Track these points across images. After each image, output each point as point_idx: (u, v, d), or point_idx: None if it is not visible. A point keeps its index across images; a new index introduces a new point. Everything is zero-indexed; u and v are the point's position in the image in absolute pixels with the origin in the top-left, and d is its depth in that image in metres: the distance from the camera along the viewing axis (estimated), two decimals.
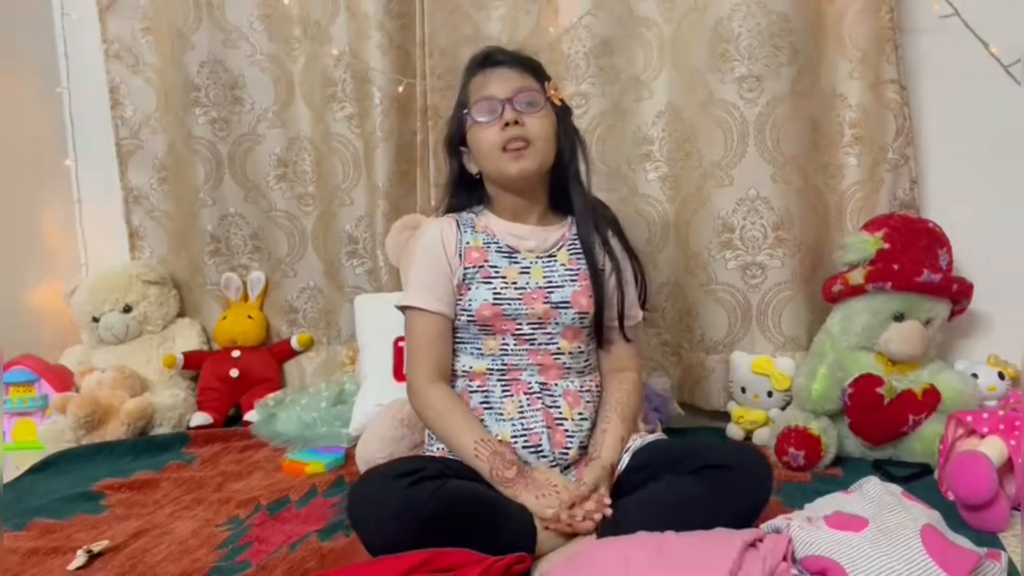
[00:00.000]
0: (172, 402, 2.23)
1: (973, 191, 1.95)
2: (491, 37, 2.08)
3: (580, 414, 1.39)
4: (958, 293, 1.77)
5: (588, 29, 2.00)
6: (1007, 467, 1.39)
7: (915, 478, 1.61)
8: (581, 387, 1.41)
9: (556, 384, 1.39)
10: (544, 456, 1.35)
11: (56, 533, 1.52)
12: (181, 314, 2.44)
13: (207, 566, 1.35)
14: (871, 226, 1.83)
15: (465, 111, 1.42)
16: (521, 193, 1.43)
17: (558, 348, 1.40)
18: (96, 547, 1.40)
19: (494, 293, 1.39)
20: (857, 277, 1.75)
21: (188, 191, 2.39)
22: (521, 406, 1.37)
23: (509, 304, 1.39)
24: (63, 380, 2.23)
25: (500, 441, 1.33)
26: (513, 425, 1.36)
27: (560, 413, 1.37)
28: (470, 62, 1.47)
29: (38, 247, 2.43)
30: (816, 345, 1.83)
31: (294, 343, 2.35)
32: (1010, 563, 1.13)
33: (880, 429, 1.71)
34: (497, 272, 1.40)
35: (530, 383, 1.38)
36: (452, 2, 2.10)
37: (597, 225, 1.46)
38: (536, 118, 1.38)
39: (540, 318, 1.39)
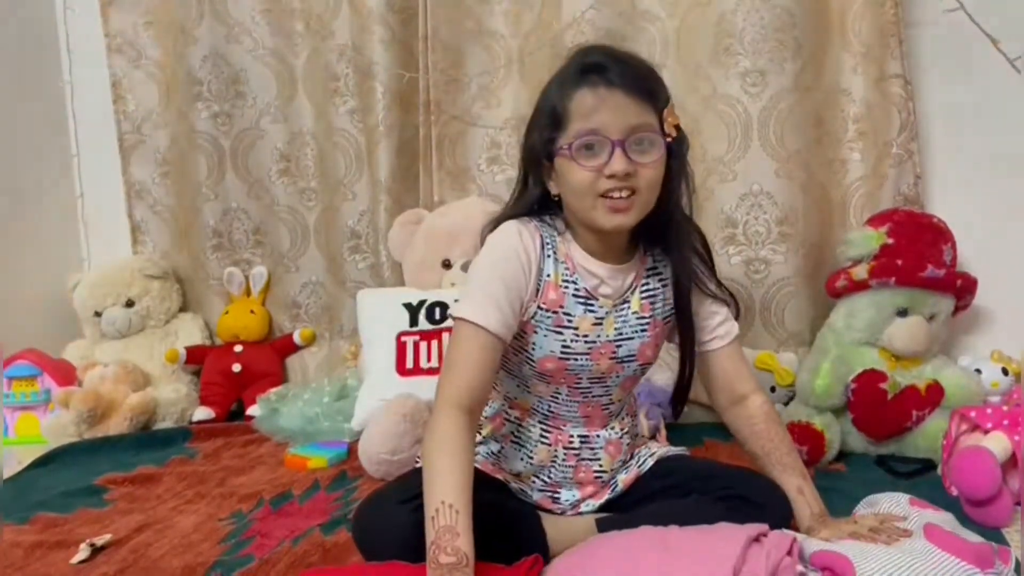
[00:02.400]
0: (174, 397, 2.24)
1: (977, 186, 1.94)
2: (494, 31, 2.08)
3: (621, 460, 1.34)
4: (962, 288, 1.77)
5: (591, 23, 2.00)
6: (1011, 462, 1.38)
7: (918, 474, 1.61)
8: (621, 431, 1.33)
9: (598, 435, 1.30)
10: (560, 504, 1.32)
11: (59, 527, 1.52)
12: (183, 309, 2.45)
13: (210, 560, 1.35)
14: (875, 221, 1.82)
15: (557, 133, 1.16)
16: (608, 236, 1.22)
17: (610, 399, 1.30)
18: (99, 541, 1.40)
19: (563, 345, 1.22)
20: (861, 272, 1.75)
21: (190, 186, 2.38)
22: (555, 457, 1.30)
23: (576, 359, 1.23)
24: (66, 375, 2.24)
25: (461, 515, 1.03)
26: (536, 469, 1.31)
27: (600, 466, 1.31)
28: (574, 65, 1.17)
29: (40, 241, 2.42)
30: (819, 340, 1.83)
31: (296, 338, 2.35)
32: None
33: (883, 425, 1.70)
34: (571, 321, 1.22)
35: (571, 436, 1.29)
36: None
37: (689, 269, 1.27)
38: (648, 166, 1.14)
39: (603, 373, 1.27)
